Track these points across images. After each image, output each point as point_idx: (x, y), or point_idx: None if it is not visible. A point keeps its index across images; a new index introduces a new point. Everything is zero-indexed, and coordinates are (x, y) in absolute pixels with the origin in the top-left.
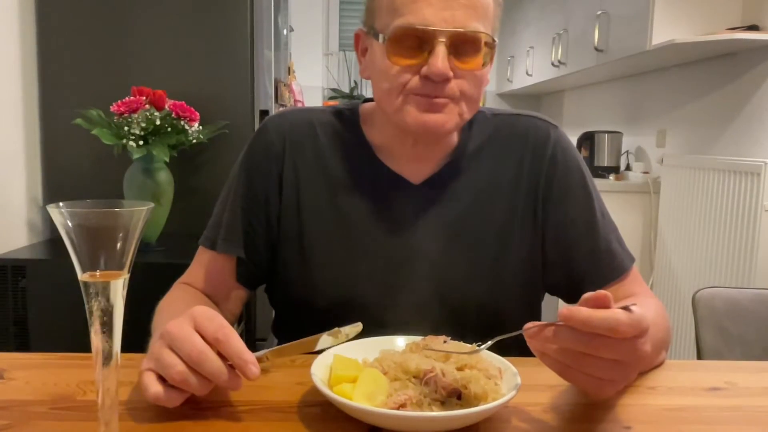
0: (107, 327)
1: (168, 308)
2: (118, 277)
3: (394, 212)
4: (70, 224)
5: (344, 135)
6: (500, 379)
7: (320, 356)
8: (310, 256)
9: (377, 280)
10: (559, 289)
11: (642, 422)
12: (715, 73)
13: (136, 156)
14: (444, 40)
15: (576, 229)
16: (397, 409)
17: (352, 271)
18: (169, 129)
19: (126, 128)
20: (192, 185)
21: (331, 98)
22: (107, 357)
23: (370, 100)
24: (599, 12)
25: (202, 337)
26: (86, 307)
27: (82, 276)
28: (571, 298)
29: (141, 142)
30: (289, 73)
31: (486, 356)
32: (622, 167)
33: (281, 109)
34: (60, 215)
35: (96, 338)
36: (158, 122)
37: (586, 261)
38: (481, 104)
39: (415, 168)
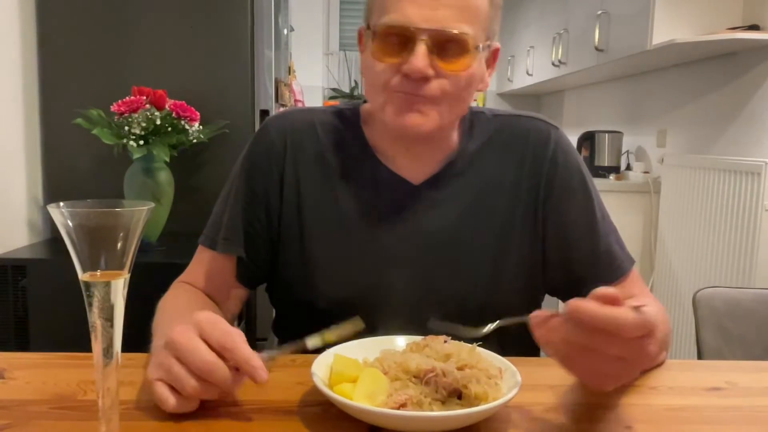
0: (108, 327)
1: (170, 307)
2: (119, 277)
3: (395, 212)
4: (70, 224)
5: (345, 135)
6: (500, 378)
7: (320, 356)
8: (311, 256)
9: (377, 279)
10: (558, 290)
11: (642, 422)
12: (715, 72)
13: (136, 156)
14: (425, 38)
15: (576, 230)
16: (398, 408)
17: (353, 271)
18: (169, 129)
19: (126, 128)
20: (192, 185)
21: (331, 98)
22: (108, 357)
23: None
24: (599, 12)
25: (207, 343)
26: (87, 307)
27: (82, 276)
28: (570, 299)
29: (141, 142)
30: (289, 73)
31: (486, 356)
32: (623, 167)
33: (282, 109)
34: (60, 215)
35: (96, 338)
36: (158, 122)
37: (586, 262)
38: (480, 104)
39: (415, 168)
